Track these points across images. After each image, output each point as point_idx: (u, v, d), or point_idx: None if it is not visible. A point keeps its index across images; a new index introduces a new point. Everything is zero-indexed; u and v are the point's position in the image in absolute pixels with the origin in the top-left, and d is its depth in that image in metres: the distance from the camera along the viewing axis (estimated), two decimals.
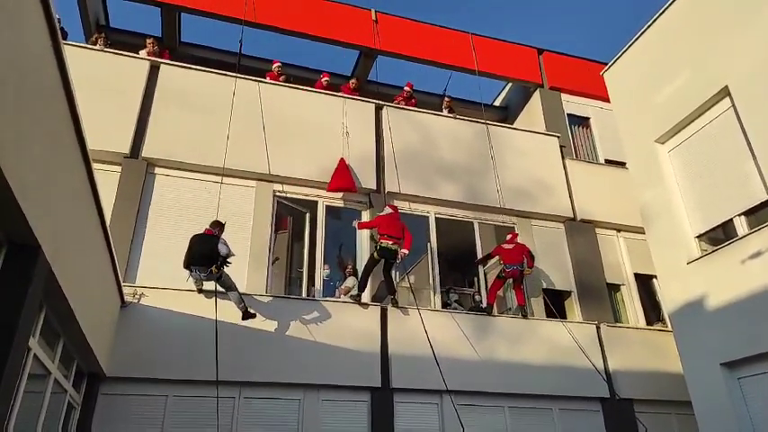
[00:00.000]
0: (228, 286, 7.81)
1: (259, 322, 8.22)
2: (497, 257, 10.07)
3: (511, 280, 9.93)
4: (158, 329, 7.82)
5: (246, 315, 7.93)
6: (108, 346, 7.20)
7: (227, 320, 7.90)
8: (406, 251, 8.94)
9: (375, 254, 8.93)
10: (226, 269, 7.74)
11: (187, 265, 7.66)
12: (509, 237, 10.22)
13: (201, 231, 7.97)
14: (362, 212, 10.19)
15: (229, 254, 7.64)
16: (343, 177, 9.71)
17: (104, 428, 7.25)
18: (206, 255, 7.55)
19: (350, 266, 10.03)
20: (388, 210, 9.37)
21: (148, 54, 10.24)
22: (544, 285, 10.48)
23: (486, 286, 10.62)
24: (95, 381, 7.24)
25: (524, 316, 9.87)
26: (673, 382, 9.20)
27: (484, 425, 8.87)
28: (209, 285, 8.05)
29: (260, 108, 9.86)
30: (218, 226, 8.01)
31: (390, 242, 8.81)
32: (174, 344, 7.79)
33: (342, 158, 9.90)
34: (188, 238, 8.48)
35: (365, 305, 9.07)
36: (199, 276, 7.69)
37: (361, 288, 9.07)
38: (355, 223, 9.49)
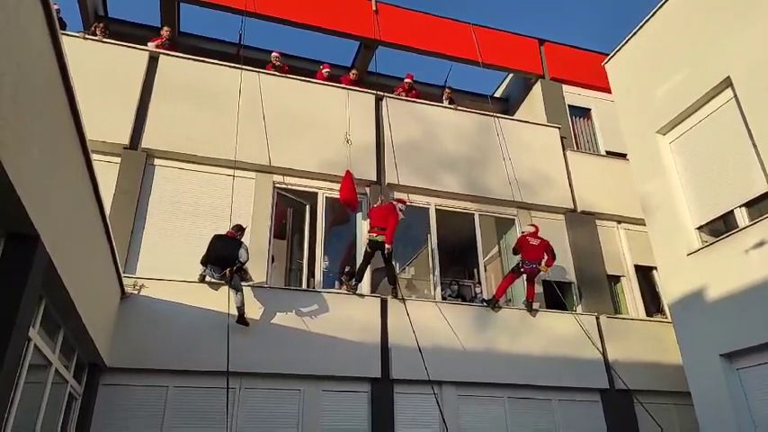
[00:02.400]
0: (236, 288, 7.87)
1: (260, 314, 8.24)
2: (521, 250, 9.68)
3: (525, 276, 9.76)
4: (159, 320, 7.83)
5: (241, 320, 7.90)
6: (108, 337, 7.22)
7: (228, 311, 7.92)
8: (388, 246, 8.78)
9: (367, 247, 9.00)
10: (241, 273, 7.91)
11: (205, 262, 7.85)
12: (532, 230, 9.87)
13: (223, 232, 8.09)
14: (362, 203, 10.17)
15: (247, 261, 7.85)
16: (347, 194, 9.54)
17: (105, 419, 7.29)
18: (225, 257, 7.73)
19: (349, 268, 10.04)
20: (390, 201, 9.37)
21: (158, 47, 10.20)
22: (544, 276, 10.47)
23: (486, 277, 10.63)
24: (96, 371, 7.25)
25: (531, 310, 9.82)
26: (672, 373, 9.23)
27: (483, 415, 8.91)
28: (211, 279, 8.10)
29: (260, 99, 9.82)
30: (240, 230, 8.17)
31: (375, 234, 8.85)
32: (175, 335, 7.81)
33: (348, 171, 9.75)
34: (188, 230, 8.54)
35: (361, 296, 9.09)
36: (212, 275, 7.82)
37: (358, 279, 9.10)
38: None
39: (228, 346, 7.44)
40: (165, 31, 10.60)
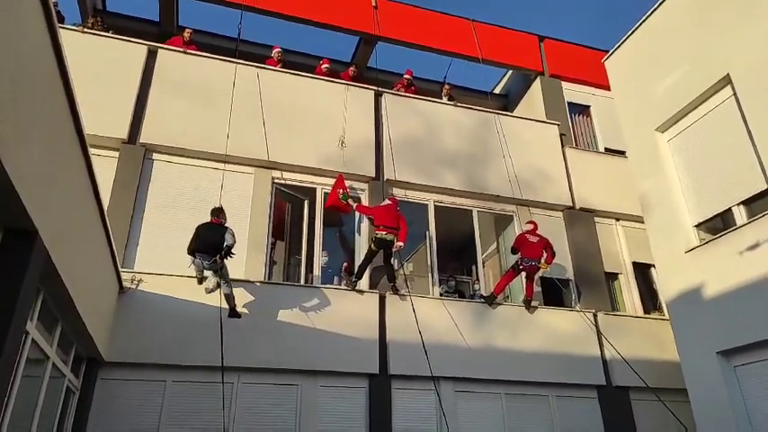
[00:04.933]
0: (226, 279, 7.77)
1: (258, 308, 8.24)
2: (519, 248, 9.66)
3: (524, 273, 9.77)
4: (157, 315, 7.83)
5: (233, 313, 7.83)
6: (106, 332, 7.22)
7: (226, 306, 7.92)
8: (401, 244, 8.92)
9: (372, 245, 8.97)
10: (227, 261, 7.72)
11: (192, 251, 7.63)
12: (531, 227, 9.89)
13: (208, 220, 7.89)
14: (362, 198, 10.16)
15: (234, 244, 7.60)
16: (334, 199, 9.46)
17: (103, 413, 7.29)
18: (213, 243, 7.53)
19: (347, 264, 10.02)
20: (386, 201, 9.38)
21: (183, 41, 10.39)
22: (543, 274, 10.46)
23: (484, 274, 10.64)
24: (94, 366, 7.26)
25: (529, 308, 9.84)
26: (669, 371, 9.26)
27: (480, 411, 8.94)
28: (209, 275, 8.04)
29: (259, 94, 9.80)
30: (220, 213, 7.95)
31: (385, 233, 8.83)
32: (173, 329, 7.81)
33: (340, 175, 9.69)
34: (187, 225, 8.48)
35: (360, 292, 9.10)
36: (201, 264, 7.63)
37: (358, 276, 9.10)
38: (355, 205, 9.45)
39: (222, 340, 7.39)
40: (188, 33, 10.62)
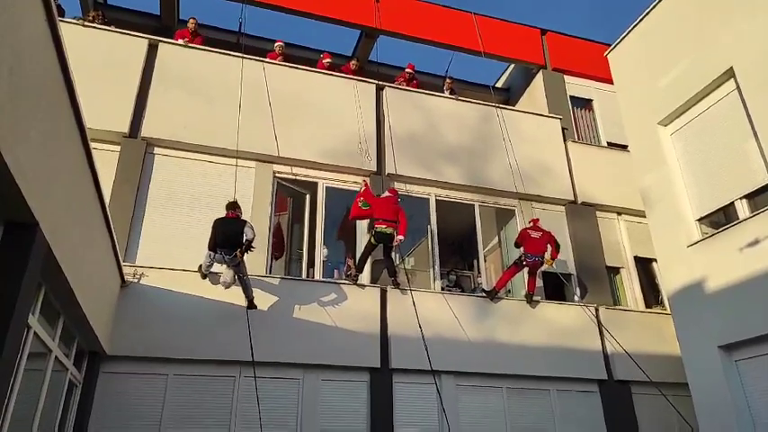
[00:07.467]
0: (245, 273, 7.79)
1: (260, 303, 8.24)
2: (522, 243, 9.66)
3: (527, 268, 9.75)
4: (158, 309, 7.84)
5: (252, 305, 7.92)
6: (108, 325, 7.24)
7: (227, 300, 7.96)
8: (401, 237, 8.90)
9: (372, 239, 8.95)
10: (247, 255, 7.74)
11: (213, 246, 7.63)
12: (532, 222, 9.90)
13: (223, 215, 7.88)
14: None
15: (254, 238, 7.62)
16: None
17: (105, 407, 7.32)
18: (233, 237, 7.53)
19: (351, 261, 10.01)
20: (386, 193, 9.35)
21: (189, 31, 10.36)
22: (547, 269, 10.45)
23: (486, 268, 10.64)
24: (96, 359, 7.28)
25: (531, 302, 9.82)
26: (670, 365, 9.25)
27: (482, 405, 8.95)
28: (215, 269, 8.06)
29: (261, 88, 9.77)
30: (236, 207, 7.94)
31: (384, 226, 8.80)
32: (175, 323, 7.82)
33: (365, 181, 9.70)
34: (188, 219, 8.48)
35: (361, 286, 9.10)
36: (223, 258, 7.61)
37: (359, 269, 9.10)
38: (361, 194, 9.34)
39: (250, 334, 7.50)
40: (192, 23, 10.55)
